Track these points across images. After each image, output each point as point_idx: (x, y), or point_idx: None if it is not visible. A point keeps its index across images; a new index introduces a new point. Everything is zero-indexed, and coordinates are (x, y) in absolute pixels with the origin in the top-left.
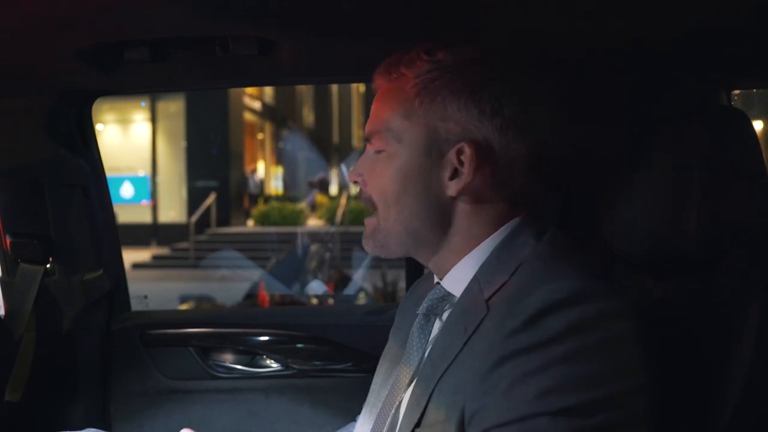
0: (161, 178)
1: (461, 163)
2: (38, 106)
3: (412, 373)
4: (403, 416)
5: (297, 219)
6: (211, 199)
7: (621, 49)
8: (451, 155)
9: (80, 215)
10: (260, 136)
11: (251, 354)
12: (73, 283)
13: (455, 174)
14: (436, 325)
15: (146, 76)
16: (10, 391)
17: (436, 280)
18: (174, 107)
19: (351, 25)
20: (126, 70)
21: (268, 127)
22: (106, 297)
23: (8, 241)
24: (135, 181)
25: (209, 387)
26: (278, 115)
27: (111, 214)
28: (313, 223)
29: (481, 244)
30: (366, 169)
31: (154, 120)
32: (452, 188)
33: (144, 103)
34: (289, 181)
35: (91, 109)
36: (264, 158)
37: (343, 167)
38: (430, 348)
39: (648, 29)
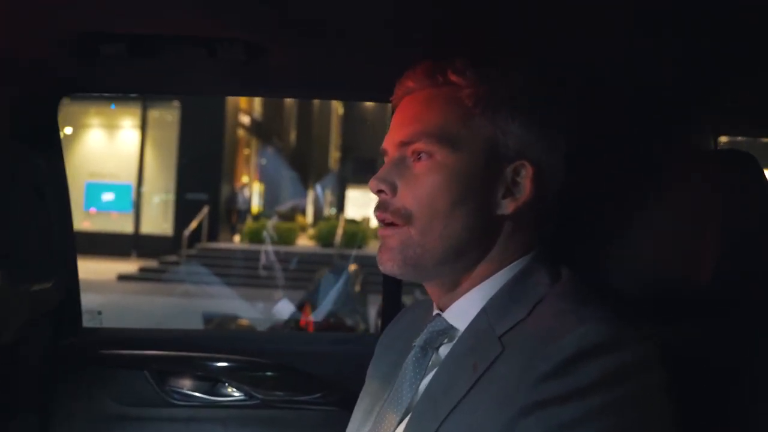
0: (147, 188)
1: (514, 182)
2: (2, 100)
3: (403, 410)
4: None
5: (291, 238)
6: (204, 212)
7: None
8: (508, 172)
9: (33, 220)
10: (246, 151)
11: (211, 381)
12: (19, 293)
13: (508, 192)
14: (434, 359)
15: (122, 75)
16: None
17: (435, 311)
18: (167, 116)
19: (344, 37)
20: (100, 66)
21: (254, 142)
22: (55, 311)
23: None
24: (117, 188)
25: (163, 415)
26: (264, 132)
27: (68, 221)
28: (304, 243)
29: (497, 274)
30: (399, 177)
31: (143, 127)
32: (507, 206)
33: (113, 105)
34: (269, 199)
35: (57, 105)
36: (248, 174)
37: (318, 188)
38: (427, 383)
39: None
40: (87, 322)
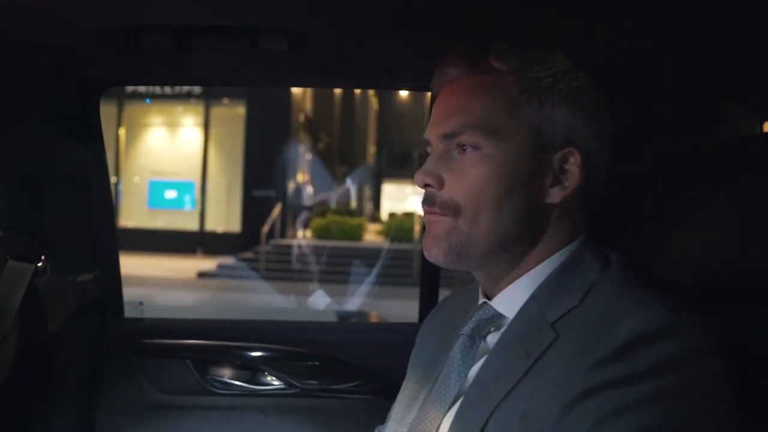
0: (210, 185)
1: (563, 170)
2: (44, 90)
3: (452, 397)
4: None
5: (359, 234)
6: (278, 209)
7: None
8: (556, 160)
9: (78, 212)
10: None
11: (252, 370)
12: (65, 284)
13: (556, 180)
14: (481, 348)
15: (165, 67)
16: None
17: (481, 299)
18: (230, 113)
19: (383, 25)
20: (144, 58)
21: (307, 139)
22: (99, 301)
23: None
24: (180, 186)
25: (204, 403)
26: (313, 128)
27: (111, 214)
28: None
29: (545, 262)
30: (446, 170)
31: (206, 125)
32: (555, 195)
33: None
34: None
35: (99, 98)
36: (304, 170)
37: (349, 181)
38: (476, 372)
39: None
40: (129, 312)
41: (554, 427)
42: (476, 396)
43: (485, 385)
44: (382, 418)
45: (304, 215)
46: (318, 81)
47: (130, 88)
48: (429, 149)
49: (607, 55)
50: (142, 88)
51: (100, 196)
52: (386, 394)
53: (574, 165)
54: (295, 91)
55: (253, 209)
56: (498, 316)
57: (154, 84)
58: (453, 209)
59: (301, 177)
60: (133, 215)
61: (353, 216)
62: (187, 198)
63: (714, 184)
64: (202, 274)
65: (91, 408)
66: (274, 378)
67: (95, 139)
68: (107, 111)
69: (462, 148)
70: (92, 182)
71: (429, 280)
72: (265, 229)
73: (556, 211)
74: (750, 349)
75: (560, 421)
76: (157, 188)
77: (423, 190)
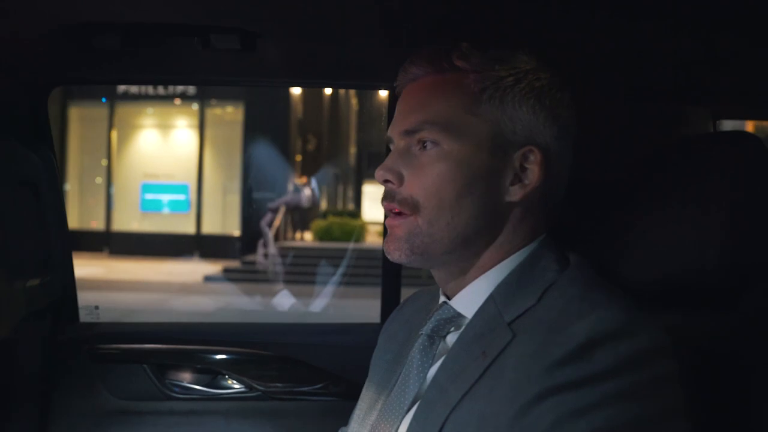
0: (206, 187)
1: (523, 168)
2: None
3: (411, 398)
4: None
5: (361, 235)
6: (282, 211)
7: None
8: (516, 158)
9: (28, 216)
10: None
11: (212, 373)
12: (15, 289)
13: (516, 178)
14: (440, 348)
15: (114, 66)
16: None
17: (441, 299)
18: (227, 114)
19: (343, 23)
20: (92, 57)
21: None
22: (52, 306)
23: None
24: (174, 188)
25: (163, 409)
26: (303, 130)
27: (62, 216)
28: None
29: (504, 261)
30: (405, 166)
31: (202, 126)
32: (516, 193)
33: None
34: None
35: (47, 98)
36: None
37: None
38: (434, 372)
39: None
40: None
41: (511, 429)
42: (434, 397)
43: (443, 386)
44: (346, 420)
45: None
46: (272, 80)
47: (121, 89)
48: (391, 146)
49: (569, 53)
50: (134, 89)
51: (51, 199)
52: (349, 395)
53: (534, 163)
54: (292, 91)
55: (253, 212)
56: (457, 316)
57: (103, 83)
58: (412, 206)
59: (299, 179)
60: (125, 219)
61: (353, 217)
62: (182, 200)
63: (672, 184)
64: (209, 278)
65: (45, 415)
66: (234, 381)
67: (44, 140)
68: (99, 112)
69: (422, 144)
70: (42, 185)
71: (391, 280)
72: (273, 231)
73: (516, 209)
74: (707, 349)
75: (517, 422)
76: (150, 191)
77: None
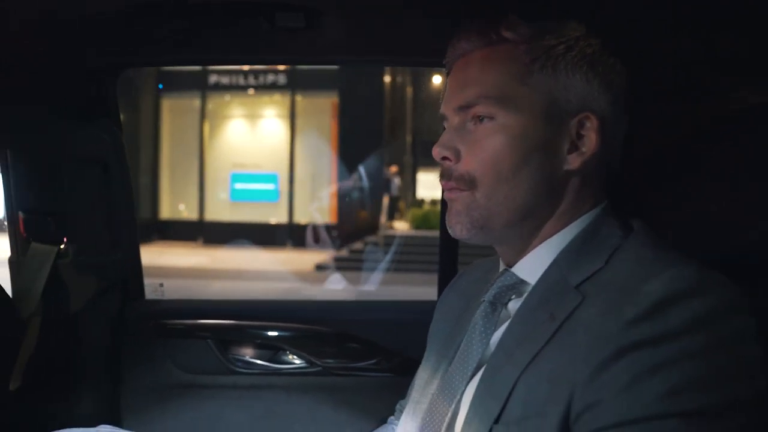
0: (299, 177)
1: (579, 136)
2: (60, 75)
3: (474, 364)
4: (471, 410)
5: None
6: (386, 200)
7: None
8: (572, 126)
9: (98, 194)
10: None
11: (273, 349)
12: (87, 266)
13: (573, 147)
14: (502, 314)
15: (181, 48)
16: (14, 378)
17: (502, 266)
18: (318, 104)
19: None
20: (160, 37)
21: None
22: (120, 283)
23: (21, 219)
24: (264, 178)
25: (227, 383)
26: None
27: (130, 195)
28: None
29: (566, 228)
30: (462, 142)
31: (292, 116)
32: (574, 161)
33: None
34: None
35: (116, 81)
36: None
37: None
38: (499, 337)
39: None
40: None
41: (586, 388)
42: (501, 361)
43: (510, 350)
44: (402, 395)
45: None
46: (335, 58)
47: (212, 80)
48: (445, 124)
49: (629, 23)
50: (225, 80)
51: (119, 180)
52: (405, 370)
53: (590, 130)
54: (384, 80)
55: (348, 201)
56: (520, 283)
57: (171, 64)
58: (469, 182)
59: (391, 168)
60: (216, 208)
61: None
62: (271, 190)
63: (737, 153)
64: (320, 267)
65: (115, 387)
66: (294, 357)
67: (113, 122)
68: (190, 103)
69: (477, 119)
70: (111, 165)
71: (448, 257)
72: (382, 219)
73: (574, 177)
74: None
75: (593, 381)
76: (239, 180)
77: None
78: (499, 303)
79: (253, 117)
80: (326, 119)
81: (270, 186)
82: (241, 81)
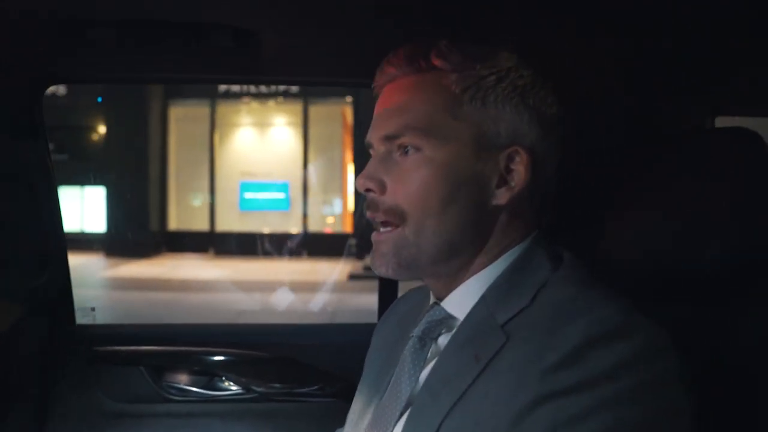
0: (312, 186)
1: (508, 170)
2: None
3: (403, 402)
4: None
5: None
6: None
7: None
8: (501, 160)
9: (23, 213)
10: None
11: (209, 375)
12: (11, 289)
13: (502, 181)
14: (432, 350)
15: (108, 63)
16: None
17: (432, 300)
18: (332, 112)
19: (331, 21)
20: (86, 53)
21: None
22: (48, 307)
23: None
24: (273, 187)
25: (160, 411)
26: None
27: (58, 215)
28: None
29: (495, 262)
30: (387, 173)
31: (305, 124)
32: (502, 196)
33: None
34: None
35: (42, 95)
36: None
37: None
38: (426, 375)
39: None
40: (80, 319)
41: None
42: (426, 402)
43: (435, 391)
44: (343, 420)
45: None
46: (265, 78)
47: (222, 88)
48: (372, 152)
49: (565, 45)
50: (236, 87)
51: (47, 198)
52: (347, 395)
53: (520, 164)
54: None
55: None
56: (449, 318)
57: (97, 81)
58: (398, 216)
59: None
60: (226, 219)
61: None
62: (282, 199)
63: (670, 179)
64: (354, 276)
65: (42, 417)
66: (231, 383)
67: (39, 138)
68: (199, 111)
69: (404, 150)
70: (37, 183)
71: (387, 281)
72: None
73: (503, 212)
74: (704, 344)
75: (513, 428)
76: (248, 189)
77: None
78: (428, 338)
79: (263, 125)
80: (338, 128)
81: (281, 195)
82: (252, 89)
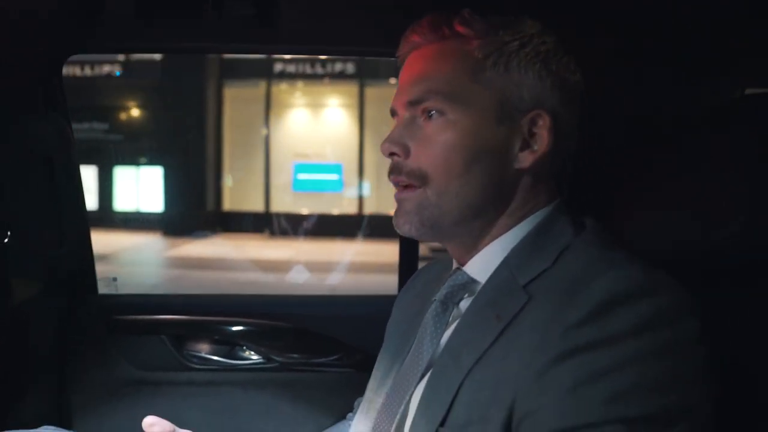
0: (369, 168)
1: (531, 134)
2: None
3: (425, 365)
4: (419, 412)
5: None
6: None
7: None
8: (524, 124)
9: (42, 188)
10: None
11: (230, 345)
12: (32, 261)
13: (525, 145)
14: (454, 314)
15: (127, 34)
16: None
17: (455, 265)
18: (389, 93)
19: None
20: (105, 25)
21: None
22: (69, 278)
23: None
24: (327, 168)
25: (181, 379)
26: None
27: (79, 188)
28: None
29: (517, 226)
30: (411, 138)
31: (361, 105)
32: (525, 160)
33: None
34: None
35: (61, 69)
36: None
37: None
38: (447, 338)
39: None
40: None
41: (528, 393)
42: (448, 362)
43: (457, 351)
44: (361, 391)
45: None
46: (286, 49)
47: (277, 69)
48: (396, 119)
49: (591, 18)
50: (291, 68)
51: (66, 172)
52: (365, 366)
53: (542, 128)
54: None
55: None
56: (471, 282)
57: (116, 52)
58: (420, 178)
59: None
60: (280, 199)
61: None
62: (335, 180)
63: (696, 154)
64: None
65: (63, 386)
66: (252, 352)
67: (58, 111)
68: (254, 92)
69: (427, 114)
70: (57, 158)
71: (408, 251)
72: None
73: (525, 176)
74: (726, 330)
75: (535, 385)
76: (302, 170)
77: None
78: (450, 302)
79: (317, 106)
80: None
81: (334, 176)
82: (308, 69)
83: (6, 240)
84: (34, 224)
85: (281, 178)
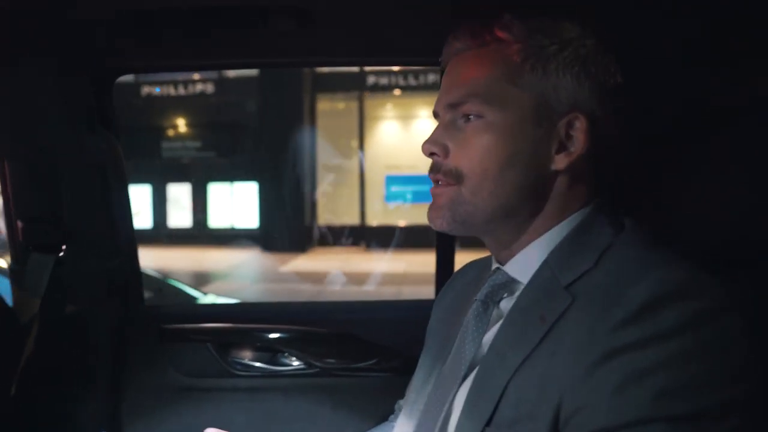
0: None
1: (568, 136)
2: (56, 82)
3: (467, 365)
4: (464, 412)
5: None
6: None
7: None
8: (561, 126)
9: (96, 200)
10: None
11: (272, 351)
12: (87, 273)
13: (561, 147)
14: (494, 314)
15: (177, 52)
16: (15, 384)
17: (495, 265)
18: None
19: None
20: (154, 45)
21: None
22: (121, 288)
23: (20, 227)
24: (419, 180)
25: (226, 385)
26: None
27: (128, 200)
28: None
29: (556, 227)
30: (451, 139)
31: None
32: (561, 162)
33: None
34: None
35: (112, 86)
36: None
37: None
38: (490, 337)
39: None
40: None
41: (576, 392)
42: (493, 362)
43: (502, 352)
44: (401, 394)
45: None
46: (328, 59)
47: (370, 81)
48: (438, 120)
49: (624, 15)
50: (384, 80)
51: (118, 184)
52: (404, 370)
53: (579, 131)
54: None
55: None
56: (511, 282)
57: (166, 71)
58: (456, 177)
59: None
60: (373, 212)
61: None
62: (427, 192)
63: (696, 154)
64: None
65: (115, 392)
66: (293, 358)
67: (110, 127)
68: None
69: (467, 117)
70: (109, 171)
71: (444, 254)
72: None
73: (561, 177)
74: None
75: (582, 385)
76: (394, 183)
77: None
78: (491, 302)
79: (407, 118)
80: None
81: (426, 188)
82: (401, 81)
83: (62, 253)
84: (88, 236)
85: (374, 190)
